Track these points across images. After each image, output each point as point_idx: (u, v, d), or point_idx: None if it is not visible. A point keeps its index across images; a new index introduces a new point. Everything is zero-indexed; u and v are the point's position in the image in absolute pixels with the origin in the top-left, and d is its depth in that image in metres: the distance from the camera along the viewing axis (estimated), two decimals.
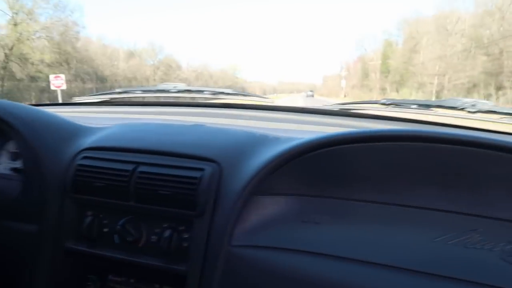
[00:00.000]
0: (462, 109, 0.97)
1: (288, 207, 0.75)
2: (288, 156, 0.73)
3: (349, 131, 0.72)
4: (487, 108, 0.95)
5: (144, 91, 1.38)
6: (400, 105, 1.07)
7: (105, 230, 0.82)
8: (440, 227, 0.65)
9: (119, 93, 1.39)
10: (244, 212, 0.73)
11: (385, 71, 37.62)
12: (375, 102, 1.11)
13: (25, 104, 1.05)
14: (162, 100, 1.46)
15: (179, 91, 1.34)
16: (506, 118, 0.93)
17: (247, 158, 0.78)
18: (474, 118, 0.96)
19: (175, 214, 0.77)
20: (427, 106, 1.03)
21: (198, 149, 0.80)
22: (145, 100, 1.48)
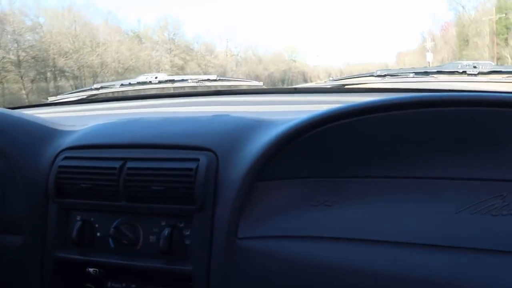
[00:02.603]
0: (463, 72, 0.93)
1: (294, 192, 0.70)
2: (288, 137, 0.68)
3: (347, 105, 0.67)
4: (489, 68, 0.91)
5: (123, 85, 1.30)
6: (396, 75, 1.02)
7: (98, 234, 0.75)
8: (461, 197, 0.61)
9: (97, 89, 1.31)
10: (248, 201, 0.68)
11: (503, 31, 23.56)
12: (370, 75, 1.07)
13: None
14: (143, 93, 1.39)
15: (160, 82, 1.27)
16: (510, 77, 0.90)
17: (244, 144, 0.72)
18: (477, 80, 0.92)
19: (172, 210, 0.71)
20: (426, 73, 0.98)
21: (190, 139, 0.74)
22: (126, 94, 1.41)
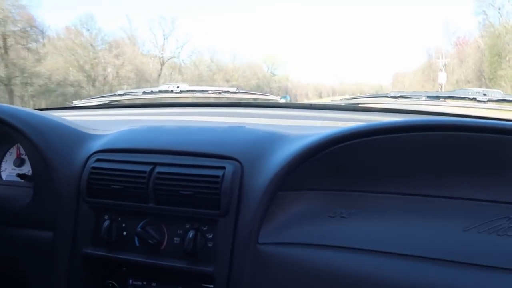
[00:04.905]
0: (473, 99, 0.98)
1: (313, 202, 0.74)
2: (311, 151, 0.72)
3: (369, 124, 0.71)
4: (498, 97, 0.96)
5: (146, 93, 1.36)
6: (409, 98, 1.08)
7: (124, 233, 0.79)
8: (470, 216, 0.65)
9: (120, 95, 1.37)
10: (270, 209, 0.72)
11: None
12: (384, 96, 1.12)
13: (29, 108, 1.02)
14: (165, 101, 1.44)
15: (182, 91, 1.32)
16: None
17: (268, 155, 0.77)
18: (486, 107, 0.97)
19: (197, 214, 0.75)
20: (437, 97, 1.04)
21: (217, 148, 0.79)
22: (148, 102, 1.46)
